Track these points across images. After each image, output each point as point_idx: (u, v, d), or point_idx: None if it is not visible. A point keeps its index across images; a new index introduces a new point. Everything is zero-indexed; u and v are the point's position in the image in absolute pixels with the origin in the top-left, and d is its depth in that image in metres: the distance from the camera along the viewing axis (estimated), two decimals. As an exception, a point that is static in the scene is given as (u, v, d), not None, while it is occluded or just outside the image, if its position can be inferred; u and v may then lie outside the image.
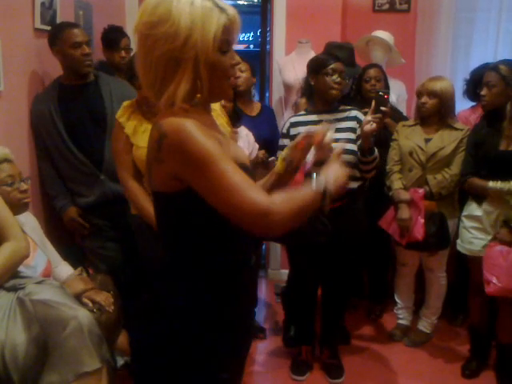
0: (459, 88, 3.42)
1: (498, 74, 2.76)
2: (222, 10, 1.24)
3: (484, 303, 2.89)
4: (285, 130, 2.86)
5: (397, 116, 3.34)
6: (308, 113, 2.85)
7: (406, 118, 3.44)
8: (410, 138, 3.09)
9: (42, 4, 2.82)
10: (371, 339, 3.42)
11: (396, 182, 3.08)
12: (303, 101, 3.20)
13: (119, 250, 2.84)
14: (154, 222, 1.44)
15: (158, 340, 1.34)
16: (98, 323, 2.01)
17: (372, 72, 3.37)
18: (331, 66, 2.70)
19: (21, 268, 2.11)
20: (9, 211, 2.05)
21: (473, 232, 2.87)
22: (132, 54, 3.20)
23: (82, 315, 1.94)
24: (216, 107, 2.44)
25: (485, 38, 4.07)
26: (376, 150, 2.64)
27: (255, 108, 3.42)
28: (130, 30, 3.35)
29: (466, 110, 3.51)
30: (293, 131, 2.80)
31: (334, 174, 1.34)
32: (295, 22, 4.01)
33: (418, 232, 2.95)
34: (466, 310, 3.27)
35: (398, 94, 3.74)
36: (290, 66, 3.82)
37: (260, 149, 3.05)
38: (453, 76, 3.92)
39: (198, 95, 1.30)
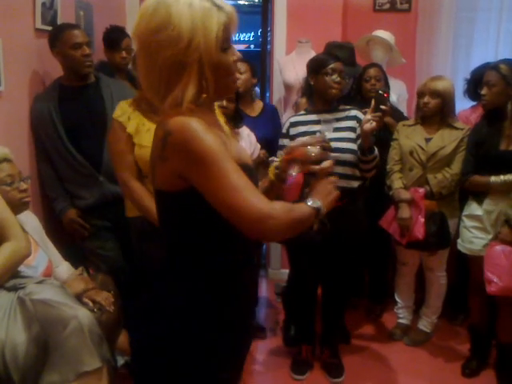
0: (460, 88, 3.42)
1: (499, 74, 2.76)
2: (220, 8, 1.24)
3: (484, 302, 2.89)
4: (284, 130, 2.86)
5: (397, 116, 3.33)
6: (308, 112, 2.86)
7: (406, 118, 3.44)
8: (410, 138, 3.10)
9: (43, 4, 2.83)
10: (371, 338, 3.42)
11: (396, 182, 3.09)
12: (303, 101, 3.20)
13: (119, 250, 2.84)
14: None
15: (158, 340, 1.34)
16: (98, 323, 2.01)
17: (372, 71, 3.37)
18: (331, 66, 2.70)
19: (22, 268, 2.12)
20: (9, 211, 2.05)
21: (473, 231, 2.87)
22: (133, 54, 3.20)
23: (83, 315, 1.95)
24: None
25: (485, 37, 4.08)
26: (376, 149, 2.64)
27: (256, 108, 3.42)
28: (130, 30, 3.35)
29: (466, 110, 3.51)
30: (292, 131, 2.81)
31: (325, 194, 1.39)
32: (296, 21, 4.01)
33: (419, 231, 2.95)
34: (466, 310, 3.27)
35: (399, 94, 3.74)
36: (291, 66, 3.82)
37: (261, 149, 3.06)
38: (453, 75, 3.92)
39: (204, 95, 1.30)
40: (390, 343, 3.35)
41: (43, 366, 1.89)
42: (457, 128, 3.02)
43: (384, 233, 3.15)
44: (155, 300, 1.38)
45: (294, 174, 1.47)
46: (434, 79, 3.06)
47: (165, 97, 1.25)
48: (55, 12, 2.95)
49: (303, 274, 2.97)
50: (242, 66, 3.22)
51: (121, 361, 2.49)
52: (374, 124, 2.48)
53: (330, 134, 2.66)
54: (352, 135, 2.73)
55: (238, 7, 9.99)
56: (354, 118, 2.77)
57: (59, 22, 2.95)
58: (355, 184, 2.77)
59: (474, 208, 2.87)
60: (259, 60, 4.59)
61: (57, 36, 2.73)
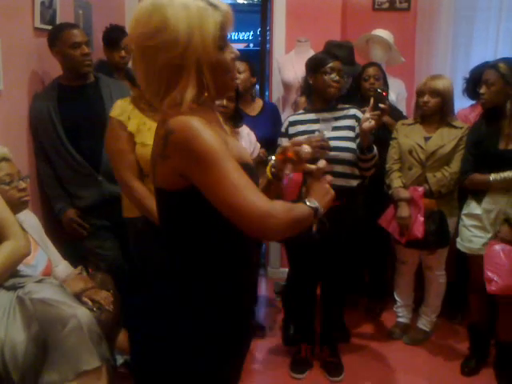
0: (459, 87, 3.42)
1: (497, 72, 2.76)
2: (215, 7, 1.23)
3: (483, 301, 2.89)
4: (283, 129, 2.86)
5: (396, 115, 3.34)
6: (307, 111, 2.86)
7: (405, 117, 3.44)
8: (409, 137, 3.10)
9: (42, 3, 2.82)
10: (371, 337, 3.42)
11: (396, 181, 3.09)
12: (303, 100, 3.20)
13: (118, 250, 2.84)
14: None
15: (158, 339, 1.34)
16: (97, 322, 2.01)
17: (371, 71, 3.37)
18: (329, 65, 2.70)
19: (21, 267, 2.12)
20: (8, 210, 2.06)
21: (472, 230, 2.87)
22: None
23: (82, 314, 1.95)
24: None
25: (485, 36, 4.08)
26: (375, 148, 2.64)
27: (256, 107, 3.41)
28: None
29: (465, 109, 3.51)
30: (291, 130, 2.81)
31: (322, 195, 1.40)
32: (295, 20, 4.01)
33: (418, 230, 2.96)
34: (465, 308, 3.27)
35: (398, 93, 3.74)
36: (290, 65, 3.82)
37: (261, 148, 3.05)
38: (453, 75, 3.92)
39: (206, 94, 1.30)
40: (389, 342, 3.35)
41: (42, 365, 1.90)
42: (456, 127, 3.02)
43: (383, 232, 3.15)
44: (155, 300, 1.38)
45: (288, 173, 1.48)
46: (433, 78, 3.06)
47: (164, 98, 1.25)
48: (54, 11, 2.95)
49: (302, 272, 2.97)
50: (241, 66, 3.22)
51: (120, 360, 2.49)
52: (372, 122, 2.48)
53: (328, 133, 2.66)
54: (351, 134, 2.73)
55: (237, 6, 10.01)
56: (353, 116, 2.77)
57: (58, 21, 2.95)
58: (354, 183, 2.77)
59: (473, 207, 2.87)
60: (258, 59, 4.59)
61: (56, 35, 2.73)
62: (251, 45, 10.60)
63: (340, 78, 2.73)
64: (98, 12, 3.57)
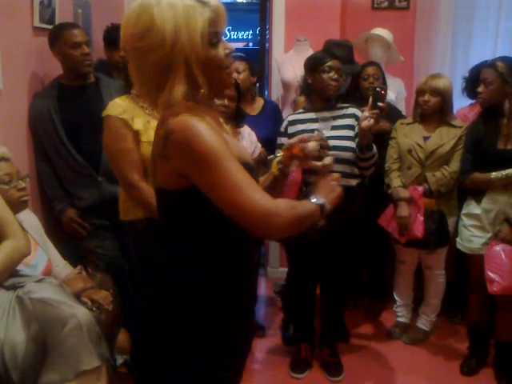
0: (458, 86, 3.42)
1: (495, 71, 2.76)
2: (203, 3, 1.22)
3: (483, 301, 2.89)
4: (283, 129, 2.87)
5: (395, 114, 3.34)
6: (306, 111, 2.86)
7: (404, 117, 3.44)
8: (408, 136, 3.10)
9: (41, 3, 2.82)
10: (370, 337, 3.42)
11: (395, 180, 3.09)
12: (302, 99, 3.20)
13: (118, 250, 2.84)
14: None
15: (158, 339, 1.34)
16: (97, 322, 2.01)
17: (370, 70, 3.38)
18: (328, 64, 2.70)
19: (21, 267, 2.12)
20: (8, 209, 2.05)
21: (472, 230, 2.87)
22: None
23: (81, 314, 1.94)
24: None
25: (484, 35, 4.07)
26: (374, 147, 2.64)
27: (256, 107, 3.41)
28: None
29: (464, 108, 3.51)
30: (291, 129, 2.81)
31: (328, 191, 1.40)
32: (294, 20, 4.01)
33: (418, 230, 2.96)
34: (465, 308, 3.27)
35: (397, 92, 3.74)
36: (289, 65, 3.82)
37: (261, 147, 3.05)
38: (452, 74, 3.92)
39: (202, 90, 1.29)
40: (388, 342, 3.35)
41: (42, 365, 1.89)
42: (455, 126, 3.02)
43: (383, 231, 3.15)
44: (155, 300, 1.38)
45: (294, 167, 1.49)
46: (434, 77, 3.06)
47: (157, 98, 1.25)
48: (53, 10, 2.95)
49: (302, 272, 2.97)
50: (240, 65, 3.21)
51: (120, 360, 2.49)
52: (371, 121, 2.48)
53: (327, 132, 2.66)
54: (350, 133, 2.73)
55: (236, 5, 10.01)
56: (353, 115, 2.77)
57: (57, 20, 2.95)
58: (354, 182, 2.77)
59: (472, 207, 2.87)
60: (258, 58, 4.58)
61: (56, 35, 2.73)
62: (250, 44, 10.60)
63: (339, 77, 2.72)
64: (97, 11, 3.56)
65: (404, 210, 2.99)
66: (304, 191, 1.43)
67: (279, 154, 1.56)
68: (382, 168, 3.11)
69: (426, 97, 3.01)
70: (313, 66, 2.76)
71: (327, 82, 2.70)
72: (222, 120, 1.46)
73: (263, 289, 4.17)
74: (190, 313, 1.32)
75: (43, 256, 2.33)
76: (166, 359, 1.34)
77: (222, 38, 1.29)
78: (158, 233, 1.41)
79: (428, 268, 3.26)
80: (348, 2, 4.16)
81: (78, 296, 2.15)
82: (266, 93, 4.51)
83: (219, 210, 1.22)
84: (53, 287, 2.06)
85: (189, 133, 1.18)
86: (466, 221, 2.91)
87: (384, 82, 3.38)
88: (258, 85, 3.86)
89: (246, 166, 1.27)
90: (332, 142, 2.57)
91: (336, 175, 1.47)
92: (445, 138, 3.00)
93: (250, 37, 10.73)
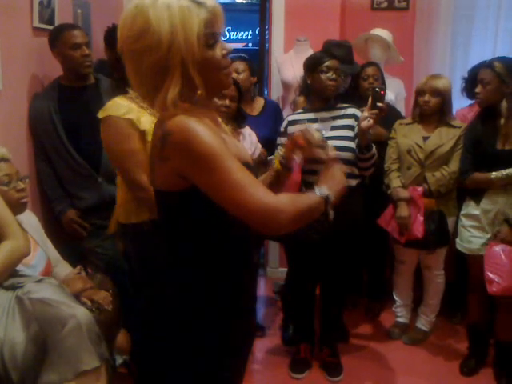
0: (458, 86, 3.42)
1: (493, 72, 2.76)
2: (199, 4, 1.21)
3: (482, 301, 2.89)
4: (282, 129, 2.87)
5: (394, 114, 3.34)
6: (305, 111, 2.86)
7: (403, 117, 3.44)
8: (408, 136, 3.10)
9: (41, 3, 2.82)
10: (370, 337, 3.42)
11: (394, 181, 3.09)
12: (301, 99, 3.20)
13: (117, 249, 2.83)
14: None
15: (158, 340, 1.34)
16: (96, 322, 2.01)
17: (370, 70, 3.38)
18: (326, 64, 2.71)
19: (21, 267, 2.12)
20: (7, 209, 2.05)
21: (471, 231, 2.87)
22: None
23: (81, 314, 1.94)
24: None
25: (483, 35, 4.07)
26: (374, 147, 2.64)
27: (257, 107, 3.40)
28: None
29: (464, 108, 3.52)
30: (290, 129, 2.81)
31: (333, 182, 1.39)
32: (294, 20, 4.00)
33: (418, 230, 2.96)
34: (464, 308, 3.27)
35: (397, 93, 3.74)
36: (289, 65, 3.82)
37: (262, 147, 3.05)
38: (451, 74, 3.92)
39: (199, 92, 1.29)
40: (388, 342, 3.35)
41: (42, 365, 1.89)
42: (454, 126, 3.02)
43: (382, 231, 3.15)
44: (155, 300, 1.38)
45: (298, 159, 1.48)
46: (434, 77, 3.06)
47: (154, 99, 1.25)
48: (52, 10, 2.95)
49: (301, 272, 2.97)
50: (240, 65, 3.21)
51: (119, 360, 2.49)
52: (371, 121, 2.48)
53: (327, 133, 2.66)
54: (350, 133, 2.73)
55: (236, 6, 10.01)
56: (352, 116, 2.77)
57: (57, 20, 2.95)
58: (353, 182, 2.77)
59: (471, 207, 2.87)
60: (257, 59, 4.58)
61: (56, 36, 2.74)
62: (250, 44, 10.60)
63: (337, 77, 2.73)
64: (97, 11, 3.56)
65: (404, 211, 2.99)
66: (304, 191, 1.42)
67: (281, 150, 1.56)
68: (381, 168, 3.11)
69: (426, 97, 3.01)
70: (311, 66, 2.77)
71: (325, 82, 2.71)
72: (221, 120, 1.46)
73: (263, 289, 4.17)
74: (189, 313, 1.32)
75: (43, 256, 2.33)
76: (166, 359, 1.34)
77: (220, 38, 1.28)
78: (158, 232, 1.41)
79: (427, 268, 3.26)
80: (347, 2, 4.15)
81: (77, 296, 2.15)
82: (266, 93, 4.51)
83: (219, 210, 1.22)
84: (52, 287, 2.06)
85: (187, 133, 1.18)
86: (465, 221, 2.91)
87: (383, 83, 3.38)
88: (257, 85, 3.86)
89: (246, 165, 1.27)
90: (331, 143, 2.56)
91: (343, 166, 1.46)
92: (444, 138, 3.00)
93: (249, 37, 10.73)
